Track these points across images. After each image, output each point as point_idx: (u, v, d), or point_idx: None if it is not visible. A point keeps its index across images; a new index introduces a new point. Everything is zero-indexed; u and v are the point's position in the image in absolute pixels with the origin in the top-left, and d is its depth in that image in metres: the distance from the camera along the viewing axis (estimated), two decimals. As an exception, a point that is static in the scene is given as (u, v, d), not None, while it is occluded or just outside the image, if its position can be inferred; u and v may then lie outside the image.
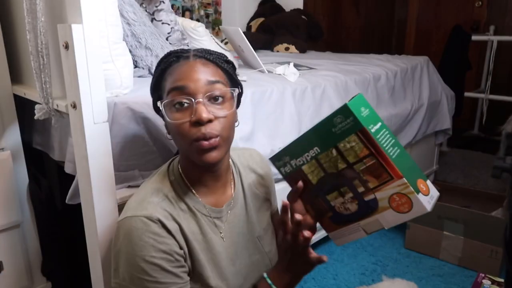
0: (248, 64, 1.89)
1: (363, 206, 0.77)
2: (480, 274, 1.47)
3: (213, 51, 0.85)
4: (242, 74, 1.58)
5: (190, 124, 0.76)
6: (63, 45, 0.90)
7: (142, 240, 0.74)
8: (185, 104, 0.77)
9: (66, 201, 1.13)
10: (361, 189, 0.76)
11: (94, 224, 0.98)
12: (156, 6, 1.43)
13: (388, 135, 0.74)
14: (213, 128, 0.76)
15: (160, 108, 0.80)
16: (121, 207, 0.84)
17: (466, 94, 3.10)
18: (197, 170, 0.84)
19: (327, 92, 1.70)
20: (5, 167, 1.36)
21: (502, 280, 1.45)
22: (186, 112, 0.77)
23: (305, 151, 0.78)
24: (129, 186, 1.09)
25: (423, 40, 4.01)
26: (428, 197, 0.75)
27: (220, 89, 0.79)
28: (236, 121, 0.85)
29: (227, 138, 0.80)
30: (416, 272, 1.79)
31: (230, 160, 0.93)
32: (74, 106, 0.92)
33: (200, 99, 0.76)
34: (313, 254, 0.80)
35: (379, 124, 0.73)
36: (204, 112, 0.75)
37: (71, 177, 1.13)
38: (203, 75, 0.78)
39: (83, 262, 1.10)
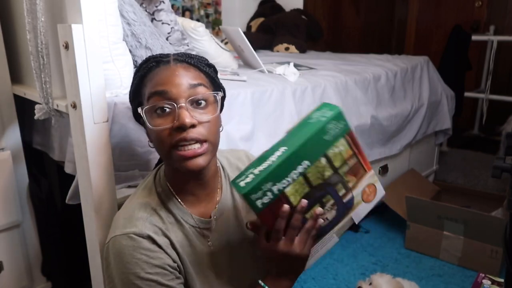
0: (248, 64, 1.89)
1: (341, 209, 0.78)
2: (480, 274, 1.47)
3: (194, 55, 0.83)
4: (242, 74, 1.58)
5: (172, 129, 0.74)
6: (63, 45, 0.90)
7: (134, 257, 0.73)
8: (167, 110, 0.75)
9: (66, 201, 1.13)
10: (342, 192, 0.77)
11: (94, 224, 0.98)
12: (156, 6, 1.43)
13: None
14: (197, 133, 0.74)
15: (141, 115, 0.77)
16: (121, 207, 0.84)
17: (466, 94, 3.10)
18: (182, 178, 0.81)
19: (327, 92, 1.70)
20: (5, 167, 1.37)
21: (502, 280, 1.44)
22: (168, 118, 0.75)
23: (294, 168, 0.71)
24: (129, 186, 1.09)
25: (423, 40, 4.01)
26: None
27: (203, 92, 0.77)
28: (220, 126, 0.82)
29: (214, 143, 0.78)
30: (416, 272, 1.79)
31: (218, 164, 0.91)
32: (74, 106, 0.92)
33: (183, 104, 0.74)
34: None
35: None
36: (187, 117, 0.73)
37: (71, 177, 1.13)
38: (185, 79, 0.76)
39: (83, 262, 1.10)
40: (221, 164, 0.93)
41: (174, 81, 0.75)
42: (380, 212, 2.21)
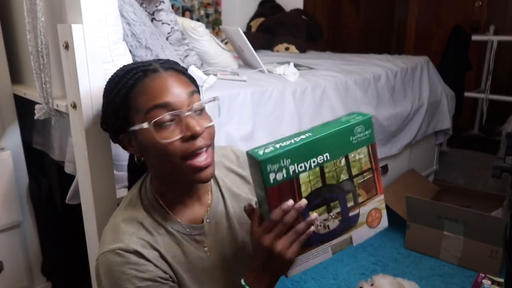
0: (248, 64, 1.89)
1: (345, 222, 0.76)
2: (480, 274, 1.47)
3: (170, 60, 0.81)
4: (242, 74, 1.58)
5: (182, 140, 0.72)
6: (63, 45, 0.90)
7: (124, 273, 0.72)
8: (172, 121, 0.72)
9: (66, 201, 1.13)
10: (350, 204, 0.75)
11: (94, 224, 0.98)
12: (156, 6, 1.43)
13: None
14: (205, 139, 0.74)
15: (151, 130, 0.71)
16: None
17: (466, 94, 3.10)
18: (172, 190, 0.81)
19: (327, 92, 1.70)
20: (5, 167, 1.36)
21: (502, 280, 1.44)
22: (175, 129, 0.72)
23: (314, 156, 0.70)
24: (129, 186, 1.09)
25: (423, 40, 4.01)
26: None
27: (199, 99, 0.76)
28: None
29: (213, 148, 0.78)
30: (416, 272, 1.79)
31: None
32: (74, 106, 0.92)
33: (189, 113, 0.73)
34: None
35: None
36: (197, 125, 0.72)
37: (71, 177, 1.13)
38: (181, 88, 0.74)
39: (83, 262, 1.10)
40: None
41: (173, 91, 0.73)
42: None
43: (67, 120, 1.01)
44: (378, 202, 0.78)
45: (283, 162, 0.68)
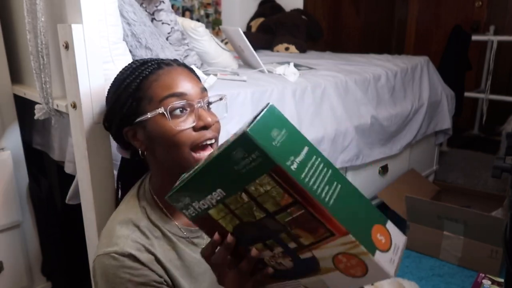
0: (248, 64, 1.89)
1: (301, 264, 0.56)
2: (480, 274, 1.47)
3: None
4: (242, 74, 1.58)
5: (193, 129, 0.75)
6: (63, 45, 0.90)
7: (118, 276, 0.72)
8: (180, 111, 0.74)
9: (66, 201, 1.13)
10: (292, 245, 0.54)
11: (94, 224, 0.98)
12: (156, 6, 1.43)
13: (320, 168, 0.49)
14: (214, 132, 0.77)
15: (166, 115, 0.73)
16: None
17: (466, 94, 3.10)
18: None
19: (327, 92, 1.70)
20: (5, 167, 1.37)
21: (502, 280, 1.44)
22: (187, 119, 0.75)
23: (208, 193, 0.54)
24: (129, 186, 1.09)
25: (423, 40, 4.01)
26: (389, 254, 0.51)
27: (208, 95, 0.80)
28: None
29: (218, 143, 0.80)
30: (416, 272, 1.79)
31: None
32: (74, 106, 0.92)
33: (201, 105, 0.76)
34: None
35: (305, 152, 0.48)
36: (209, 116, 0.75)
37: (71, 177, 1.13)
38: (194, 83, 0.78)
39: (83, 262, 1.10)
40: None
41: (187, 83, 0.77)
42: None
43: (67, 120, 1.01)
44: (344, 245, 0.50)
45: (184, 200, 0.59)
